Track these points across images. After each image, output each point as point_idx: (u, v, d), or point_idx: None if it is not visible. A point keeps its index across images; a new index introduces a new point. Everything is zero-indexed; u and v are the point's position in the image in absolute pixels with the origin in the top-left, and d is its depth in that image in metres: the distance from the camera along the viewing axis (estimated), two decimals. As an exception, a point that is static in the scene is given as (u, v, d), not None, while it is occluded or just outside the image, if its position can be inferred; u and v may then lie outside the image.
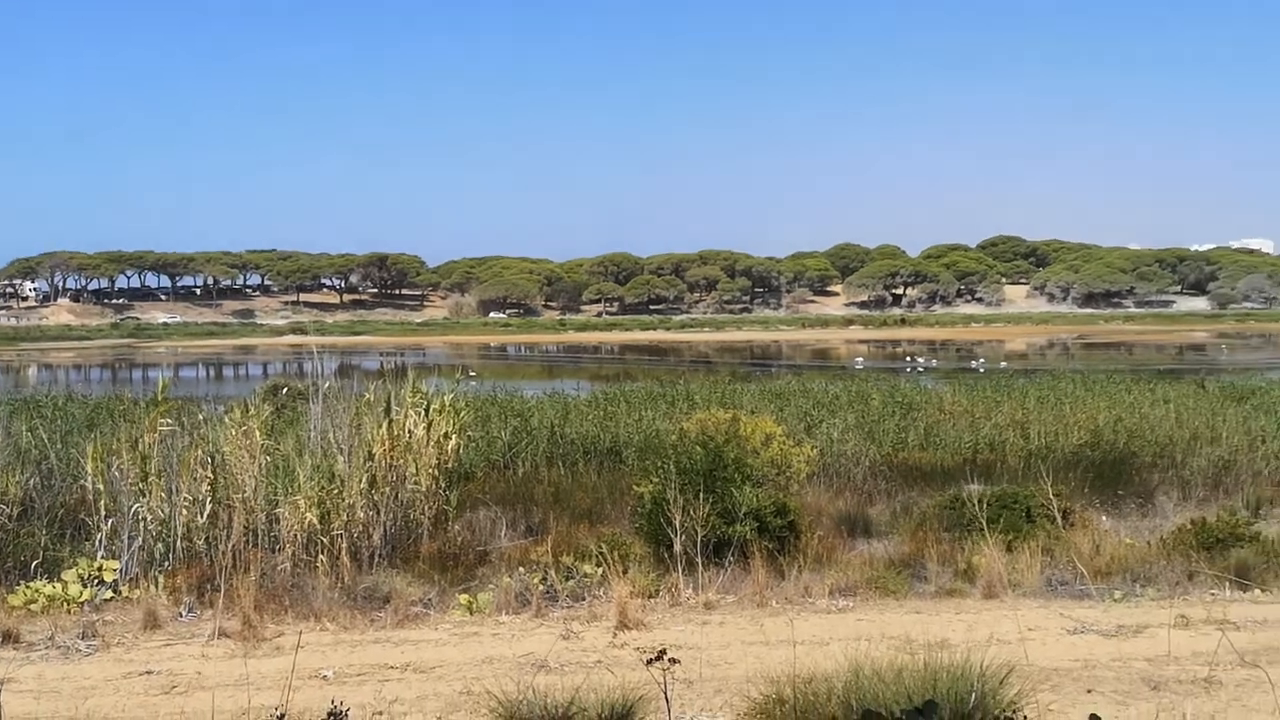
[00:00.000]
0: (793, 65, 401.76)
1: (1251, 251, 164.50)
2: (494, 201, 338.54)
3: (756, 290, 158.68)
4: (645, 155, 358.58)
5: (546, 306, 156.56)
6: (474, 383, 34.67)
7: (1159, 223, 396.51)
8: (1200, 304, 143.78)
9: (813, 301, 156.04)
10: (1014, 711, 4.67)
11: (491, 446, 18.38)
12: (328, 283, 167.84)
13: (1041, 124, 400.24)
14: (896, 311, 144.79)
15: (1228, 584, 11.32)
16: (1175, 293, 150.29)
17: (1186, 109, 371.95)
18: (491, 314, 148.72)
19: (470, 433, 16.14)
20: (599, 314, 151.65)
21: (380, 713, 6.63)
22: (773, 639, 8.40)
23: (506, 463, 17.90)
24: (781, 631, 8.79)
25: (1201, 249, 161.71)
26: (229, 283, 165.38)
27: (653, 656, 4.72)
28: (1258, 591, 11.28)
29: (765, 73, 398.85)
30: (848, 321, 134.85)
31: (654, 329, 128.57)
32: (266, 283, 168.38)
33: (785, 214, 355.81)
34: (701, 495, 11.40)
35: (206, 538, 11.56)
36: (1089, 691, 6.69)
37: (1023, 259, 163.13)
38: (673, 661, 4.87)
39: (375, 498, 12.06)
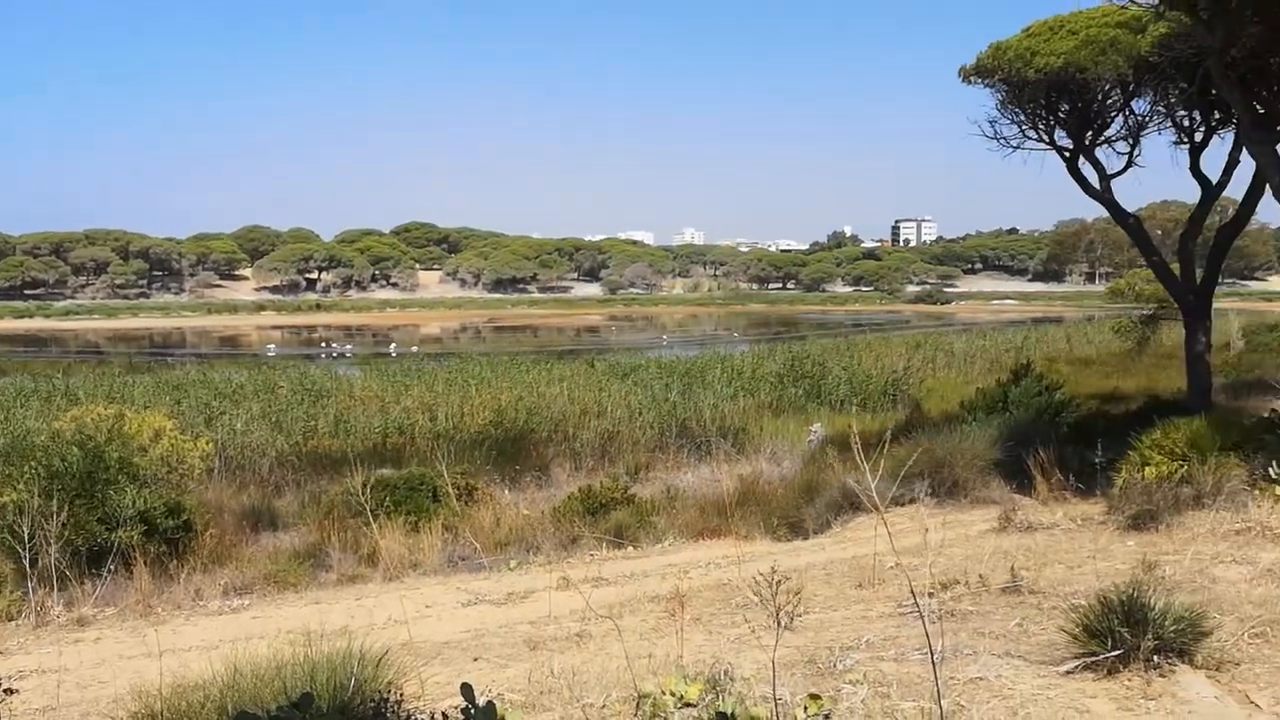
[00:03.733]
0: (196, 41, 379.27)
1: (635, 242, 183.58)
2: None
3: (155, 274, 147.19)
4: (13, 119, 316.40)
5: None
6: None
7: (558, 215, 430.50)
8: (594, 290, 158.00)
9: (220, 286, 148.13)
10: (390, 690, 4.68)
11: None
12: None
13: (450, 115, 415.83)
14: (311, 296, 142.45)
15: (606, 544, 12.46)
16: (573, 279, 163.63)
17: (554, 115, 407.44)
18: None
19: None
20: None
21: None
22: (156, 649, 7.75)
23: None
24: (168, 640, 8.17)
25: (594, 240, 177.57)
26: None
27: (-21, 693, 4.08)
28: (630, 549, 12.56)
29: (168, 47, 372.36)
30: (259, 307, 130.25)
31: (30, 316, 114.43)
32: None
33: (187, 192, 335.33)
34: (78, 500, 10.29)
35: None
36: (475, 660, 6.96)
37: (435, 245, 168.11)
38: (8, 692, 4.24)
39: None
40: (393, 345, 68.01)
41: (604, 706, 4.82)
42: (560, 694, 5.16)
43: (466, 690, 3.69)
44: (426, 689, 5.39)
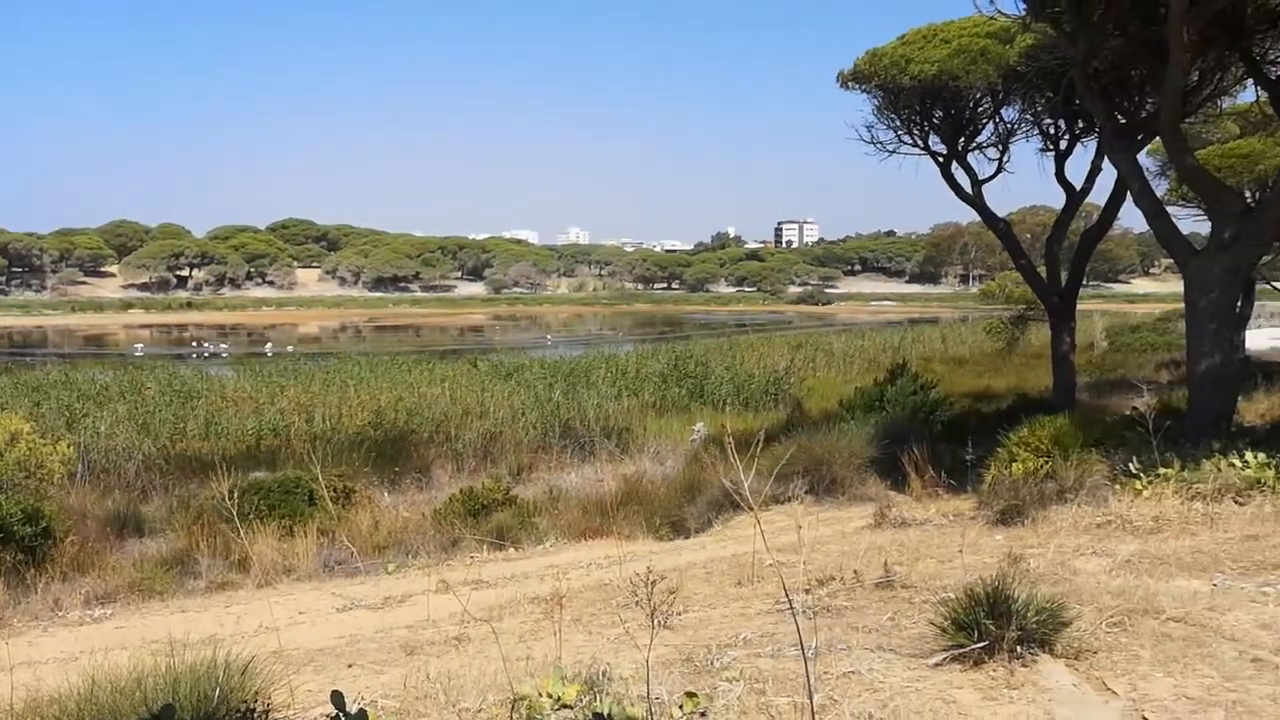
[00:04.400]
0: (54, 29, 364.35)
1: (520, 241, 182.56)
2: None
3: (15, 270, 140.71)
4: None
5: None
6: None
7: (440, 213, 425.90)
8: (478, 289, 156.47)
9: (84, 283, 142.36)
10: (258, 699, 4.53)
11: None
12: None
13: (327, 110, 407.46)
14: (182, 294, 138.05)
15: (487, 546, 12.32)
16: (457, 278, 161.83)
17: (436, 113, 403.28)
18: None
19: None
20: None
21: None
22: (9, 663, 7.39)
23: None
24: (22, 653, 7.80)
25: (478, 238, 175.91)
26: None
27: None
28: (511, 550, 12.44)
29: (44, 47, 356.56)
30: (127, 305, 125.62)
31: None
32: None
33: (50, 186, 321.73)
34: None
35: None
36: (349, 666, 6.79)
37: (314, 243, 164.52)
38: None
39: None
40: (268, 345, 66.22)
41: (480, 710, 4.75)
42: (436, 699, 5.06)
43: (337, 698, 3.60)
44: (297, 697, 5.23)
